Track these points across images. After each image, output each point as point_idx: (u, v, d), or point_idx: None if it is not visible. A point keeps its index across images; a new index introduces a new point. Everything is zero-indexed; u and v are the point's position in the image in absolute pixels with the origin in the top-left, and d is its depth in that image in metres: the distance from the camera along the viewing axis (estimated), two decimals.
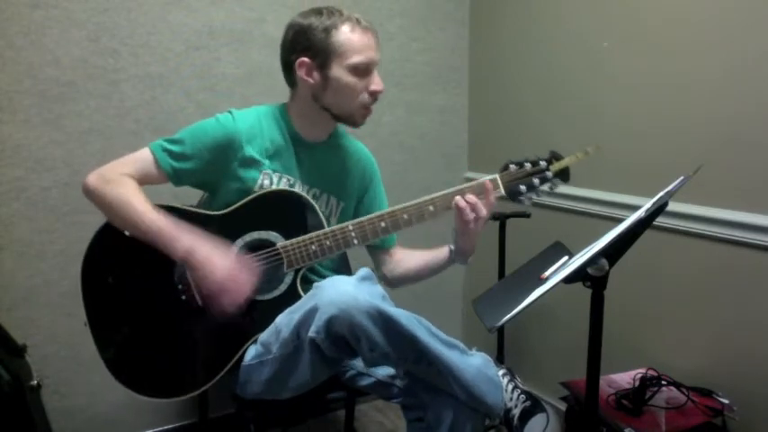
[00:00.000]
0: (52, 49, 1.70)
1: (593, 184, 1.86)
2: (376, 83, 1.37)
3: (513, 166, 1.37)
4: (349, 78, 1.34)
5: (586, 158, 1.33)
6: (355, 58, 1.33)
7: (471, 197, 1.33)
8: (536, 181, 1.36)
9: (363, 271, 1.25)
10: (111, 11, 1.75)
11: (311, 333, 1.17)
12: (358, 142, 1.58)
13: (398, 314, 1.16)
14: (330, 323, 1.14)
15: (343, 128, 1.50)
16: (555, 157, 1.36)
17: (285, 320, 1.26)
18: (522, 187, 1.36)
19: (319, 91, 1.37)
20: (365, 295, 1.16)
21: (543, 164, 1.36)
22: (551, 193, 1.42)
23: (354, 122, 1.41)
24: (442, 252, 1.47)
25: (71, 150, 1.75)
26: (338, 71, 1.33)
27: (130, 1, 1.78)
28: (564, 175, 1.37)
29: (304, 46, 1.34)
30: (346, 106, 1.38)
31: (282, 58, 1.40)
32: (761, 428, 1.44)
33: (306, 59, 1.34)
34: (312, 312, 1.18)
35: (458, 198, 1.34)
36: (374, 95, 1.38)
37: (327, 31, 1.33)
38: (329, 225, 1.39)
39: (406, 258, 1.55)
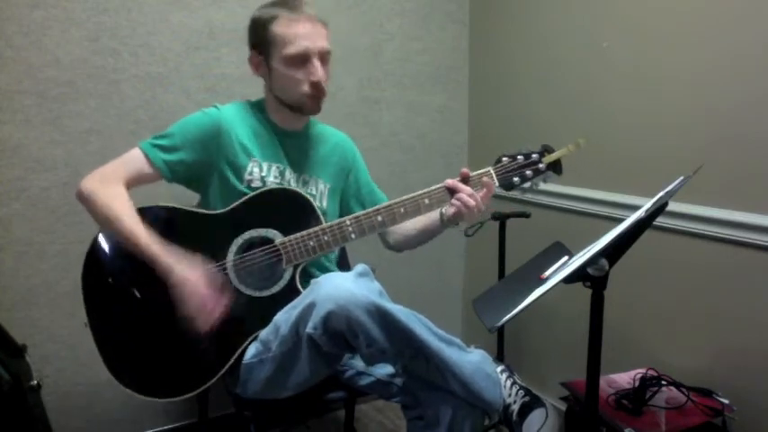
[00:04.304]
0: (52, 50, 1.70)
1: (594, 184, 1.86)
2: (314, 72, 1.36)
3: (506, 159, 1.40)
4: (286, 70, 1.36)
5: (578, 151, 1.36)
6: (289, 49, 1.34)
7: (466, 192, 1.35)
8: (529, 173, 1.39)
9: (361, 267, 1.25)
10: (111, 11, 1.76)
11: (309, 329, 1.17)
12: (330, 127, 1.61)
13: (396, 310, 1.17)
14: (327, 319, 1.15)
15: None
16: (547, 149, 1.40)
17: (284, 317, 1.26)
18: (516, 179, 1.39)
19: (270, 83, 1.43)
20: (363, 291, 1.16)
21: (535, 156, 1.40)
22: (549, 193, 1.42)
23: (305, 112, 1.44)
24: (434, 216, 1.46)
25: (71, 150, 1.75)
26: (277, 63, 1.37)
27: (130, 1, 1.78)
28: (557, 168, 1.40)
29: (252, 41, 1.42)
30: (290, 97, 1.41)
31: None
32: (761, 428, 1.44)
33: (253, 54, 1.42)
34: (310, 308, 1.18)
35: (455, 201, 1.35)
36: (315, 86, 1.37)
37: (267, 24, 1.36)
38: (320, 206, 1.42)
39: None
